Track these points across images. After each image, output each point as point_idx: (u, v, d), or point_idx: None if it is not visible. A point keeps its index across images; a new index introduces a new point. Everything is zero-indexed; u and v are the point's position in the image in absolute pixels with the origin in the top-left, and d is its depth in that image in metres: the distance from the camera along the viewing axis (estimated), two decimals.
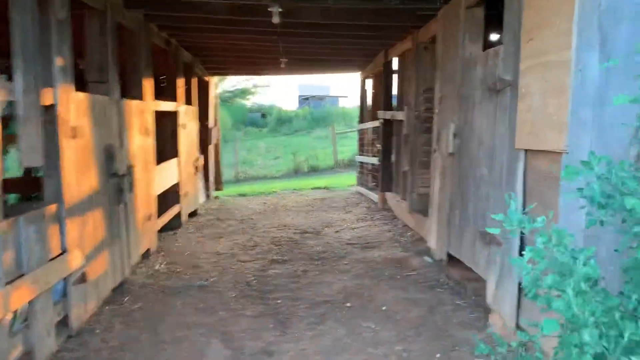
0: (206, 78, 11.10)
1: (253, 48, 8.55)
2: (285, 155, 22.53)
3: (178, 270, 5.79)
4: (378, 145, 9.59)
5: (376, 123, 9.64)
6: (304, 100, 42.46)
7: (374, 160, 9.90)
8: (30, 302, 3.35)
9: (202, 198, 10.55)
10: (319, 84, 44.38)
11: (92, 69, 4.97)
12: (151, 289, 5.10)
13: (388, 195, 8.90)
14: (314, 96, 43.06)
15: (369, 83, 11.33)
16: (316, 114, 34.92)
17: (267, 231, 7.67)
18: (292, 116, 35.92)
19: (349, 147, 21.64)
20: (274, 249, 6.55)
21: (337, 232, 7.42)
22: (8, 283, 3.09)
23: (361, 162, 11.36)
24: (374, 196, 9.69)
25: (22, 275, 3.27)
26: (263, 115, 36.14)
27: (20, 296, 3.20)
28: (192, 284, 5.26)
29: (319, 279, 5.23)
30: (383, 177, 9.05)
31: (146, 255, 6.24)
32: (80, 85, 4.85)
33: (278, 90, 53.06)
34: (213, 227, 8.27)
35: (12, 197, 6.76)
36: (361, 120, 11.62)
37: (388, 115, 8.58)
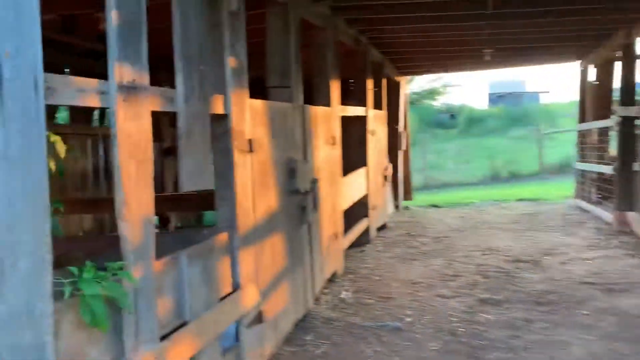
0: (396, 78, 10.24)
1: (452, 40, 7.42)
2: (477, 159, 20.70)
3: (367, 301, 4.95)
4: (610, 150, 7.69)
5: (607, 122, 7.75)
6: (498, 97, 39.46)
7: (604, 169, 7.97)
8: (192, 357, 2.74)
9: (390, 209, 9.71)
10: (512, 80, 40.89)
11: (273, 73, 4.37)
12: (337, 327, 4.32)
13: (630, 215, 6.97)
14: (509, 93, 39.80)
15: (592, 73, 9.30)
16: (512, 112, 32.05)
17: (469, 255, 6.46)
18: (485, 116, 33.54)
19: (554, 150, 19.01)
20: (480, 282, 5.34)
21: (562, 263, 5.88)
22: (164, 338, 2.49)
23: (582, 170, 9.38)
24: (605, 214, 7.78)
25: (183, 324, 2.67)
26: (452, 116, 34.44)
27: (180, 353, 2.59)
28: (384, 323, 4.35)
29: (550, 336, 3.90)
30: (622, 191, 7.15)
31: (332, 279, 5.55)
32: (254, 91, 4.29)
33: (467, 89, 50.50)
34: (404, 245, 7.32)
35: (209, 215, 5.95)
36: (582, 119, 9.62)
37: (633, 111, 6.71)
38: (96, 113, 7.20)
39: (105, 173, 7.13)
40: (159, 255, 2.67)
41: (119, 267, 2.01)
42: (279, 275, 3.88)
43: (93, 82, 2.04)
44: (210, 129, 3.18)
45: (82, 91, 1.97)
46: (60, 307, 1.84)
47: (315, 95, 5.56)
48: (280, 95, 4.35)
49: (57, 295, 1.87)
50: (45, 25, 1.83)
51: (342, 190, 5.91)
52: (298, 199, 4.33)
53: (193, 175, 2.73)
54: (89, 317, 1.86)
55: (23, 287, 1.66)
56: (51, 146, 2.07)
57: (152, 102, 2.38)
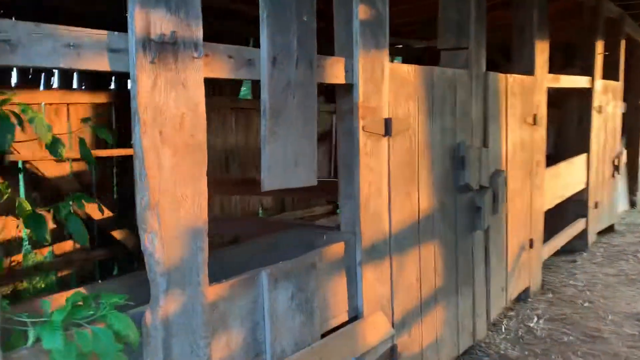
0: None
1: None
2: None
3: (564, 337, 3.69)
4: None
5: None
6: None
7: None
8: None
9: (622, 207, 7.70)
10: None
11: (445, 31, 3.37)
12: None
13: None
14: None
15: None
16: None
17: None
18: None
19: None
20: None
21: None
22: None
23: None
24: None
25: None
26: None
27: None
28: None
29: None
30: None
31: (521, 297, 4.35)
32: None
33: None
34: (636, 257, 5.58)
35: None
36: None
37: None
38: None
39: None
40: (271, 260, 2.05)
41: (116, 301, 1.38)
42: (429, 297, 2.95)
43: (95, 35, 1.42)
44: (337, 105, 2.43)
45: (73, 47, 1.37)
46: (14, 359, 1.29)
47: (513, 61, 4.34)
48: (454, 59, 3.34)
49: (20, 341, 1.33)
50: None
51: (544, 184, 4.59)
52: (469, 197, 3.31)
53: (282, 170, 1.99)
54: None
55: None
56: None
57: (208, 65, 1.70)
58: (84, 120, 1.70)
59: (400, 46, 7.78)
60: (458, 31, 3.32)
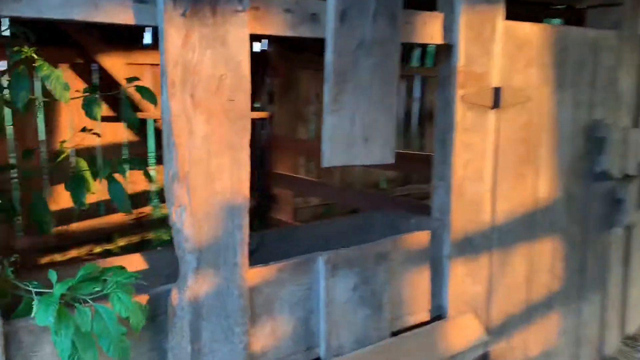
0: None
1: None
2: None
3: None
4: None
5: None
6: None
7: None
8: None
9: None
10: None
11: None
12: None
13: None
14: None
15: None
16: None
17: None
18: None
19: None
20: None
21: None
22: None
23: None
24: None
25: None
26: None
27: None
28: None
29: None
30: None
31: None
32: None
33: None
34: None
35: None
36: None
37: None
38: (418, 51, 6.47)
39: (419, 118, 6.51)
40: (354, 242, 1.88)
41: (123, 280, 1.26)
42: (540, 301, 2.50)
43: None
44: (439, 71, 2.09)
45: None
46: (18, 328, 1.24)
47: None
48: (603, 18, 2.72)
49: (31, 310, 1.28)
50: None
51: None
52: (607, 187, 2.72)
53: (348, 144, 1.72)
54: (63, 354, 1.21)
55: None
56: None
57: (258, 20, 1.48)
58: (129, 79, 1.58)
59: (563, 7, 6.78)
60: None
